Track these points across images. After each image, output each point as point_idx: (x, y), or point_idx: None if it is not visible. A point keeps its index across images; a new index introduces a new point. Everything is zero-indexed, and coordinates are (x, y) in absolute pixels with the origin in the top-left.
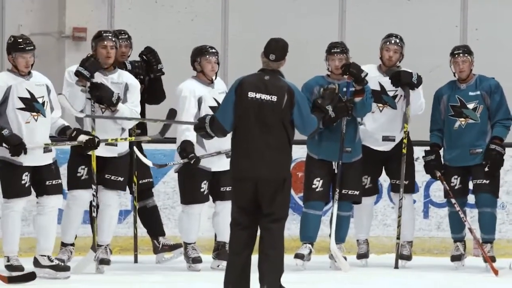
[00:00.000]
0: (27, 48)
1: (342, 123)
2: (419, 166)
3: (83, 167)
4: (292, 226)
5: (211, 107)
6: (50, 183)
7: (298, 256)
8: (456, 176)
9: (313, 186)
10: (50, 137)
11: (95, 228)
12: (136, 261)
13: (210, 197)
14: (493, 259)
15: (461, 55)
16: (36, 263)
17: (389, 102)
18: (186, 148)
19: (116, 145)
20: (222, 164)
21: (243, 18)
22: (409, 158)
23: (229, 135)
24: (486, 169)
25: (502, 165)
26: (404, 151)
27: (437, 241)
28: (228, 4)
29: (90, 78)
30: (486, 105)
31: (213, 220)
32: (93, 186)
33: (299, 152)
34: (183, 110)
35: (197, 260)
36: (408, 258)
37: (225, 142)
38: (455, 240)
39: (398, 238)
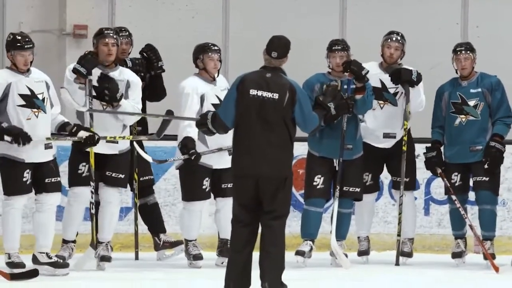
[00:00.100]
0: (25, 46)
1: (342, 120)
2: (419, 163)
3: (84, 164)
4: (293, 223)
5: (213, 105)
6: (49, 181)
7: (299, 253)
8: (456, 173)
9: (314, 183)
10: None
11: (94, 225)
12: (137, 258)
13: (212, 194)
14: (493, 256)
15: (463, 52)
16: (35, 260)
17: (390, 99)
18: (187, 144)
19: (117, 142)
20: (223, 162)
21: (244, 16)
22: (410, 156)
23: (231, 132)
24: (486, 166)
25: (502, 163)
26: (404, 148)
27: (438, 238)
28: (229, 1)
29: (87, 75)
30: (487, 102)
31: (215, 217)
32: (92, 183)
33: (300, 149)
34: (185, 107)
35: (198, 257)
36: (409, 255)
37: (227, 139)
38: (456, 237)
39: (398, 235)
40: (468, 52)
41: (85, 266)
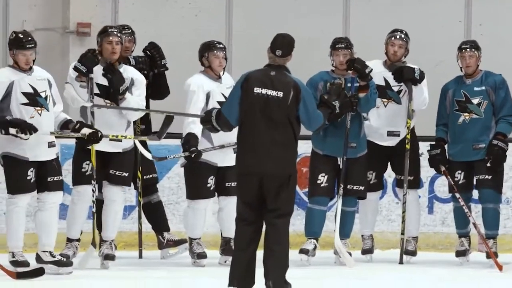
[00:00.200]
0: (27, 46)
1: (346, 119)
2: (423, 161)
3: (87, 162)
4: (296, 222)
5: (219, 102)
6: (51, 180)
7: (303, 251)
8: (459, 171)
9: (318, 182)
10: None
11: (95, 223)
12: (140, 256)
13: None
14: (495, 255)
15: (468, 50)
16: (38, 259)
17: (393, 97)
18: (189, 141)
19: (121, 141)
20: (228, 159)
21: (247, 14)
22: (414, 154)
23: (236, 129)
24: (488, 164)
25: (505, 161)
26: (408, 146)
27: (441, 237)
28: None
29: (87, 74)
30: (491, 100)
31: (218, 215)
32: (93, 182)
33: (303, 148)
34: (190, 103)
35: (202, 255)
36: (413, 253)
37: (232, 136)
38: (459, 235)
39: (402, 233)
40: (473, 50)
41: (87, 264)
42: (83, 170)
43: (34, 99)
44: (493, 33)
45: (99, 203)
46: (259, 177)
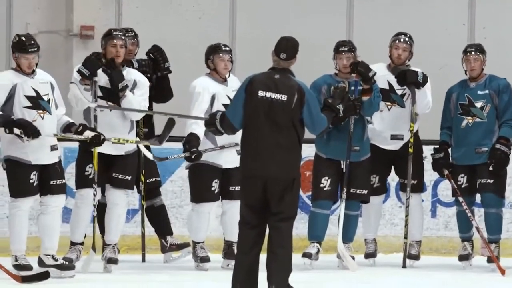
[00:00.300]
0: (29, 50)
1: (350, 122)
2: (427, 165)
3: (90, 166)
4: (300, 225)
5: (224, 105)
6: (54, 183)
7: (305, 255)
8: (462, 175)
9: (321, 185)
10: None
11: (95, 226)
12: (143, 260)
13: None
14: (497, 259)
15: (473, 53)
16: (41, 262)
17: (397, 101)
18: (190, 141)
19: (124, 144)
20: (233, 161)
21: (250, 17)
22: (418, 158)
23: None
24: (491, 168)
25: (507, 165)
26: (411, 150)
27: (444, 241)
28: (236, 2)
29: (90, 77)
30: (494, 104)
31: (221, 219)
32: (94, 185)
33: (307, 151)
34: (194, 105)
35: (205, 259)
36: (416, 257)
37: (236, 137)
38: (462, 239)
39: (405, 237)
40: (478, 53)
41: (90, 268)
42: (86, 173)
43: (37, 102)
44: (497, 36)
45: (102, 206)
46: (263, 180)
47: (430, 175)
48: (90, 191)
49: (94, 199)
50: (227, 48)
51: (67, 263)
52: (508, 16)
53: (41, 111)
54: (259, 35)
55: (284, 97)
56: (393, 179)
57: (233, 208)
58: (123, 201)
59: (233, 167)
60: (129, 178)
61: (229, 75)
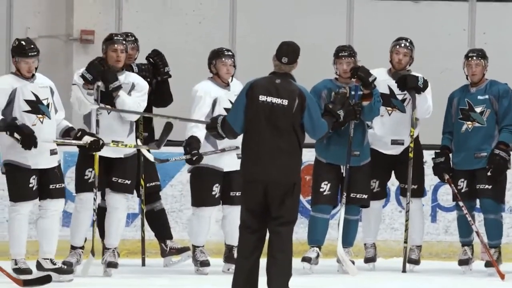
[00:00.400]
0: (29, 54)
1: (350, 127)
2: (427, 169)
3: (90, 169)
4: (299, 230)
5: (226, 109)
6: (53, 187)
7: (305, 259)
8: (462, 179)
9: (321, 190)
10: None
11: (94, 231)
12: (143, 264)
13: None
14: (497, 264)
15: (474, 58)
16: (39, 266)
17: (398, 106)
18: (191, 144)
19: (125, 146)
20: (234, 164)
21: (250, 21)
22: (418, 163)
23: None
24: (489, 173)
25: (506, 170)
26: (411, 155)
27: (445, 245)
28: (236, 7)
29: (93, 81)
30: (494, 109)
31: (222, 223)
32: (94, 190)
33: (307, 156)
34: (195, 108)
35: (205, 263)
36: (416, 262)
37: (237, 141)
38: (463, 244)
39: (405, 242)
40: (480, 58)
41: (89, 272)
42: (86, 177)
43: (36, 106)
44: (497, 42)
45: (102, 210)
46: (264, 184)
47: (430, 180)
48: (89, 195)
49: (94, 204)
50: (229, 53)
51: (65, 267)
52: (508, 22)
53: (40, 116)
54: (260, 40)
55: (285, 102)
56: (393, 183)
57: (234, 212)
58: (123, 205)
59: (234, 170)
60: (128, 182)
61: (231, 80)
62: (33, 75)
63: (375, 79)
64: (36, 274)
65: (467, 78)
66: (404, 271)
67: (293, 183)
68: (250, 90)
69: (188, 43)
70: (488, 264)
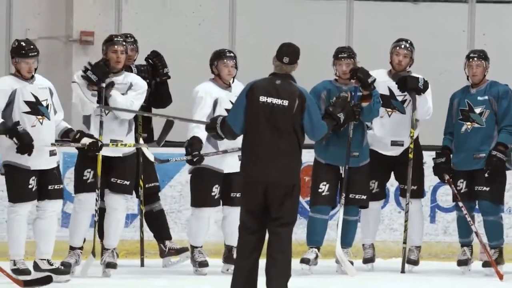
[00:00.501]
0: (30, 54)
1: (349, 128)
2: (426, 170)
3: (89, 170)
4: (298, 231)
5: (227, 110)
6: (52, 188)
7: (304, 261)
8: (462, 180)
9: (320, 190)
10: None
11: (95, 232)
12: (142, 265)
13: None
14: (496, 264)
15: (475, 59)
16: (36, 267)
17: (397, 107)
18: (193, 144)
19: (125, 145)
20: (234, 165)
21: (250, 22)
22: (418, 163)
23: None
24: (486, 175)
25: (504, 171)
26: (411, 156)
27: (444, 246)
28: (236, 8)
29: (98, 83)
30: (493, 110)
31: (222, 223)
32: (96, 190)
33: (306, 156)
34: (196, 109)
35: (204, 264)
36: (415, 263)
37: (238, 142)
38: (462, 244)
39: (404, 242)
40: (481, 59)
41: (88, 272)
42: (84, 178)
43: (36, 107)
44: (496, 43)
45: (101, 211)
46: (263, 186)
47: (429, 181)
48: (88, 196)
49: (96, 205)
50: (231, 54)
51: (62, 267)
52: (508, 23)
53: (40, 117)
54: (259, 41)
55: (286, 102)
56: (392, 184)
57: (234, 213)
58: (122, 206)
59: (234, 171)
60: (127, 183)
61: (233, 81)
62: (33, 76)
63: (374, 80)
64: (33, 274)
65: (468, 79)
66: (403, 271)
67: (292, 184)
68: (250, 91)
69: (187, 44)
70: (485, 264)
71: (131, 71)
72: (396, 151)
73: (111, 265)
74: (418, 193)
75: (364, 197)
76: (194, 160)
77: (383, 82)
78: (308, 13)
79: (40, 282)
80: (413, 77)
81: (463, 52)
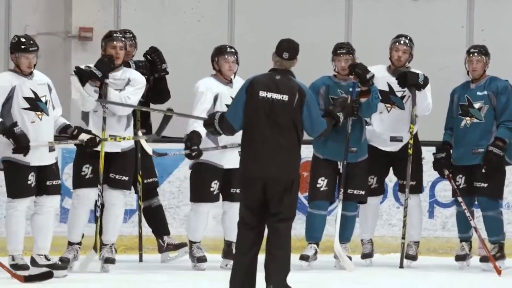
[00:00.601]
0: (30, 49)
1: (347, 124)
2: (424, 166)
3: (87, 165)
4: (297, 226)
5: (227, 105)
6: (50, 183)
7: (303, 257)
8: (461, 175)
9: (318, 186)
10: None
11: (98, 227)
12: (141, 260)
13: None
14: (496, 259)
15: (476, 54)
16: (33, 262)
17: (397, 103)
18: (192, 139)
19: (124, 139)
20: (234, 161)
21: (249, 19)
22: (417, 159)
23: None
24: (483, 170)
25: (501, 166)
26: (410, 151)
27: (442, 241)
28: (234, 5)
29: (102, 79)
30: (492, 105)
31: (221, 219)
32: (99, 186)
33: (305, 152)
34: (197, 104)
35: (202, 259)
36: (413, 258)
37: (237, 138)
38: (461, 239)
39: (403, 238)
40: (481, 55)
41: (88, 268)
42: (82, 173)
43: (35, 103)
44: (495, 39)
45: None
46: (263, 181)
47: (428, 176)
48: (86, 191)
49: (98, 200)
50: (232, 50)
51: (59, 263)
52: (507, 19)
53: (39, 113)
54: (258, 38)
55: (285, 97)
56: (390, 180)
57: (233, 208)
58: (121, 201)
59: (234, 167)
60: (126, 178)
61: (234, 77)
62: (31, 72)
63: (373, 76)
64: (30, 270)
65: (468, 74)
66: (401, 266)
67: (292, 180)
68: (250, 86)
69: (186, 42)
70: (483, 259)
71: (130, 67)
72: (395, 147)
73: (109, 261)
74: (417, 189)
75: (362, 192)
76: (193, 154)
77: (383, 78)
78: (307, 10)
79: (40, 277)
80: (413, 72)
81: (462, 48)
